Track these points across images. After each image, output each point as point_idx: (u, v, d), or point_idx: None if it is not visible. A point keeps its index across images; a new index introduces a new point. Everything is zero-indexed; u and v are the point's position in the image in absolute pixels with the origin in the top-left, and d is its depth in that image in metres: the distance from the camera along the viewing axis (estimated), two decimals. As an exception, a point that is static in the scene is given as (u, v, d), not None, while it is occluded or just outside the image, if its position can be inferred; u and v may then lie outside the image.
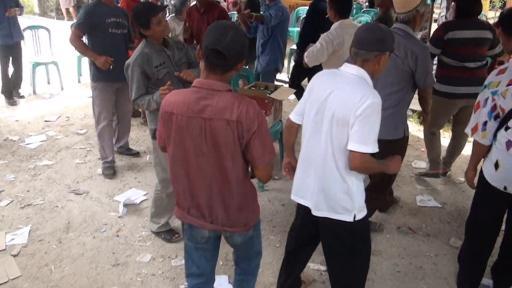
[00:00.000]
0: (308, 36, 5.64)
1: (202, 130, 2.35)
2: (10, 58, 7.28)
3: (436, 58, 4.71)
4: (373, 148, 2.50)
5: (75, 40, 4.86)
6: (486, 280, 3.56)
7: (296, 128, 2.94)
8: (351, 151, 2.51)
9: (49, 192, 4.84)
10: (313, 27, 5.68)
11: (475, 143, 3.19)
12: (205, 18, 5.66)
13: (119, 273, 3.67)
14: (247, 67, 7.63)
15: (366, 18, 11.63)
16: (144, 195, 4.74)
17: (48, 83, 8.55)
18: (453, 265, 3.82)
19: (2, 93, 7.51)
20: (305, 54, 4.57)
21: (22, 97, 7.76)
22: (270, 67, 6.03)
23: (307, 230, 3.02)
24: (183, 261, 3.69)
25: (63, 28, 10.34)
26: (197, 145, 2.39)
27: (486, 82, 3.08)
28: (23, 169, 5.35)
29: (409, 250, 4.01)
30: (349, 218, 2.67)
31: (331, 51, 4.41)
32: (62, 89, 8.34)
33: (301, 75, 6.15)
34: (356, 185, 2.66)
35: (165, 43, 3.77)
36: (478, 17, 4.62)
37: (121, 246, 4.00)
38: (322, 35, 4.47)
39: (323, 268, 3.72)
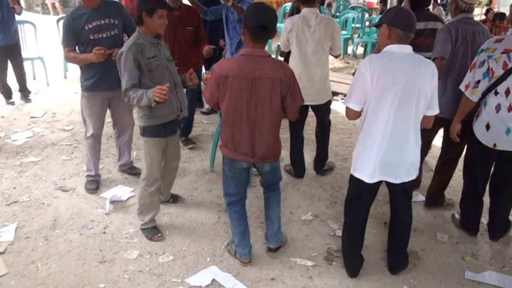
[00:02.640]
0: None
1: (253, 87, 3.20)
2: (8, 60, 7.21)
3: None
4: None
5: (68, 56, 4.40)
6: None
7: (359, 114, 3.32)
8: (430, 116, 3.24)
9: (35, 189, 4.81)
10: None
11: (465, 99, 3.76)
12: (182, 21, 5.39)
13: (106, 270, 3.66)
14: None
15: (353, 14, 11.69)
16: (131, 191, 4.73)
17: (34, 78, 8.49)
18: (439, 259, 3.87)
19: (1, 93, 7.43)
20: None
21: (30, 92, 7.68)
22: None
23: (370, 204, 3.56)
24: (170, 257, 3.78)
25: (49, 23, 10.27)
26: (248, 99, 3.23)
27: (483, 47, 3.66)
28: (9, 165, 5.31)
29: (395, 245, 4.03)
30: (416, 175, 3.37)
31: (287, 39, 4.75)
32: (48, 85, 8.28)
33: None
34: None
35: (157, 37, 3.79)
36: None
37: (108, 243, 3.98)
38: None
39: (310, 263, 3.75)
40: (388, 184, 3.39)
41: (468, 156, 4.09)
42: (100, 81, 4.44)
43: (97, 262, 3.75)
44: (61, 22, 4.50)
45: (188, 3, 5.90)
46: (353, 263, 3.67)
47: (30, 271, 3.65)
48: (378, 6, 14.52)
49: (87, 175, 4.88)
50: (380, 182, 3.37)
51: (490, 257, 3.95)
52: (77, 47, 4.41)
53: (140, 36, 3.66)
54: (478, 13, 14.99)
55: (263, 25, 3.13)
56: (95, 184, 4.83)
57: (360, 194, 3.49)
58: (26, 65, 7.89)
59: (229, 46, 6.03)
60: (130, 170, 5.17)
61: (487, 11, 13.81)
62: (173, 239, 4.05)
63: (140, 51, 3.59)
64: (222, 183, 3.74)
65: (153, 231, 4.06)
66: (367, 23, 12.25)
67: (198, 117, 6.74)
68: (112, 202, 4.54)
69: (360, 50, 12.63)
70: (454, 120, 3.93)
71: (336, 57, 5.23)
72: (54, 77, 8.52)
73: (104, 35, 4.36)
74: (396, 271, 3.70)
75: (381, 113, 3.13)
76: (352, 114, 3.31)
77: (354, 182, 3.44)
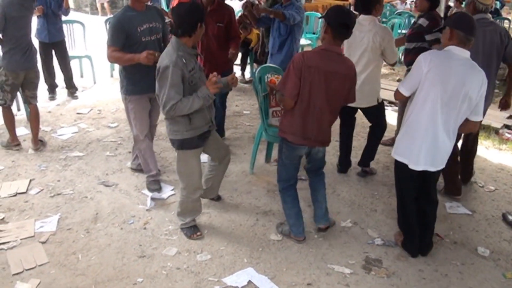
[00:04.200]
0: None
1: (327, 79, 3.54)
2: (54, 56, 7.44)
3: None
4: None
5: (113, 56, 4.34)
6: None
7: (407, 99, 3.69)
8: (474, 121, 3.55)
9: (79, 183, 4.92)
10: None
11: None
12: (213, 17, 5.24)
13: (144, 265, 3.70)
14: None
15: (399, 20, 11.52)
16: (172, 190, 4.78)
17: (81, 76, 8.66)
18: (479, 275, 3.78)
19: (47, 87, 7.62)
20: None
21: (77, 89, 7.84)
22: (284, 65, 5.67)
23: (415, 188, 3.86)
24: (208, 256, 3.80)
25: (97, 23, 10.48)
26: (321, 90, 3.58)
27: None
28: (54, 159, 5.44)
29: (435, 257, 3.97)
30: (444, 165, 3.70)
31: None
32: (94, 82, 8.45)
33: None
34: None
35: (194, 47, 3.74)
36: None
37: (148, 238, 4.03)
38: None
39: (348, 271, 3.71)
40: (425, 172, 3.66)
41: None
42: (145, 83, 4.39)
43: (136, 256, 3.80)
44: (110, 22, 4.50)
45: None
46: (411, 243, 3.95)
47: (71, 261, 3.73)
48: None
49: (149, 176, 4.84)
50: (421, 171, 3.66)
51: (534, 275, 3.84)
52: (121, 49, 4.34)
53: (179, 47, 3.56)
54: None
55: (346, 23, 3.53)
56: (158, 184, 4.84)
57: (405, 178, 3.81)
58: (74, 63, 8.08)
59: (271, 47, 6.07)
60: None
61: None
62: (211, 238, 4.07)
63: (184, 63, 3.53)
64: (277, 172, 4.10)
65: (192, 230, 4.09)
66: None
67: (240, 119, 6.78)
68: (153, 199, 4.60)
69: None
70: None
71: (392, 65, 5.26)
72: (101, 76, 8.68)
73: (153, 38, 4.42)
74: (427, 252, 3.97)
75: (427, 106, 3.45)
76: (399, 96, 3.70)
77: (397, 166, 3.80)
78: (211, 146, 4.09)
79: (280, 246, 4.00)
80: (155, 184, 4.83)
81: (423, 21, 5.12)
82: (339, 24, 3.52)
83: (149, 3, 4.59)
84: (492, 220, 4.55)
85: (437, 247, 4.09)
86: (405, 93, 3.62)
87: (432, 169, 3.62)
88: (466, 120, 3.54)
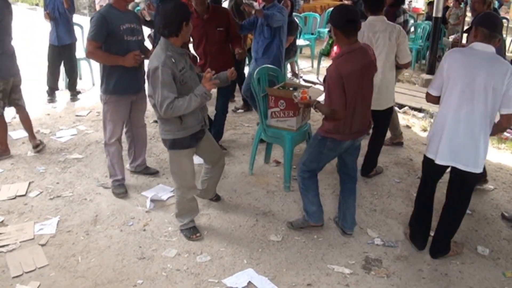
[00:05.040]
0: None
1: (363, 72, 3.68)
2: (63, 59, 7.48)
3: None
4: None
5: (94, 52, 4.30)
6: None
7: (438, 99, 3.72)
8: (506, 114, 3.47)
9: (78, 185, 4.92)
10: None
11: None
12: (212, 23, 5.24)
13: (144, 267, 3.70)
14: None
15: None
16: (171, 191, 4.77)
17: (80, 78, 8.63)
18: (479, 274, 3.78)
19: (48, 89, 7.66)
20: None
21: (79, 92, 7.87)
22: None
23: (435, 185, 3.93)
24: (208, 258, 3.80)
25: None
26: (361, 85, 3.68)
27: None
28: (53, 161, 5.44)
29: (435, 257, 3.97)
30: (481, 169, 3.63)
31: None
32: (93, 84, 8.45)
33: None
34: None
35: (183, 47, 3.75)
36: None
37: (148, 240, 4.04)
38: None
39: (348, 271, 3.71)
40: (455, 170, 3.66)
41: None
42: (127, 83, 4.39)
43: (136, 258, 3.80)
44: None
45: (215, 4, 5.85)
46: (418, 236, 4.03)
47: (70, 263, 3.73)
48: (423, 12, 14.30)
49: (114, 180, 4.79)
50: (447, 167, 3.72)
51: (534, 274, 3.84)
52: (103, 47, 4.30)
53: (168, 47, 3.54)
54: None
55: (351, 19, 3.56)
56: (123, 188, 4.78)
57: (429, 173, 3.88)
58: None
59: (255, 51, 5.99)
60: (145, 170, 5.16)
61: None
62: (211, 239, 4.07)
63: (173, 63, 3.51)
64: (304, 162, 4.04)
65: (192, 231, 4.09)
66: (412, 29, 12.03)
67: (238, 119, 6.79)
68: (152, 200, 4.59)
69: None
70: None
71: (405, 66, 5.16)
72: (99, 78, 8.64)
73: (134, 39, 4.40)
74: (437, 255, 3.94)
75: (451, 102, 3.52)
76: (431, 98, 3.79)
77: (425, 161, 3.83)
78: (205, 149, 4.10)
79: (280, 247, 4.00)
80: (120, 188, 4.76)
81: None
82: (345, 23, 3.57)
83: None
84: (492, 219, 4.55)
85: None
86: (433, 92, 3.72)
87: (460, 166, 3.57)
88: (500, 116, 3.54)
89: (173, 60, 3.51)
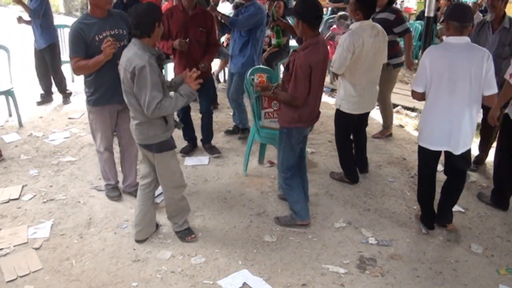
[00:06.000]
0: None
1: (324, 64, 3.89)
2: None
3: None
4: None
5: (77, 67, 4.09)
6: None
7: (423, 95, 3.90)
8: (489, 95, 3.72)
9: (71, 188, 4.90)
10: None
11: (507, 85, 4.22)
12: (195, 21, 5.20)
13: (139, 269, 3.70)
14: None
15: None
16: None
17: (73, 81, 8.64)
18: (473, 272, 3.79)
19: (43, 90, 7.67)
20: (332, 63, 4.67)
21: (71, 94, 7.88)
22: (245, 69, 5.48)
23: (435, 170, 4.19)
24: (203, 259, 3.79)
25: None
26: (322, 74, 3.91)
27: None
28: (46, 164, 5.42)
29: (429, 255, 3.98)
30: (470, 146, 3.96)
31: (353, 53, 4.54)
32: (86, 87, 8.41)
33: None
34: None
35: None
36: None
37: (142, 242, 4.03)
38: (343, 38, 4.54)
39: (342, 271, 3.72)
40: (449, 154, 3.95)
41: (499, 135, 4.67)
42: (109, 94, 4.20)
43: (130, 261, 3.79)
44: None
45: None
46: (428, 217, 4.31)
47: (65, 267, 3.72)
48: (415, 12, 14.34)
49: (107, 184, 4.76)
50: (440, 152, 4.02)
51: (527, 271, 3.86)
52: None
53: (145, 48, 3.48)
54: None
55: (319, 15, 3.81)
56: (117, 191, 4.74)
57: (426, 161, 4.12)
58: (66, 68, 8.04)
59: (231, 49, 6.01)
60: (136, 192, 4.27)
61: None
62: (205, 241, 4.07)
63: (155, 62, 3.48)
64: (281, 161, 4.18)
65: (187, 232, 4.09)
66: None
67: (232, 120, 6.76)
68: (146, 202, 4.56)
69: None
70: (495, 106, 4.28)
71: (386, 64, 5.25)
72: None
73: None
74: (443, 222, 4.30)
75: (440, 94, 3.73)
76: (417, 95, 3.93)
77: (421, 151, 4.08)
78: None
79: (275, 247, 4.00)
80: (113, 191, 4.73)
81: (388, 15, 5.46)
82: (315, 18, 3.76)
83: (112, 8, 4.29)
84: (485, 217, 4.56)
85: (430, 244, 4.12)
86: (419, 89, 3.86)
87: (455, 152, 3.88)
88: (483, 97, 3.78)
89: (153, 59, 3.48)
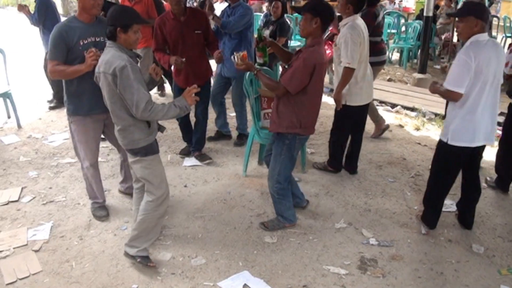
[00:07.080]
0: None
1: (325, 67, 3.90)
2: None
3: None
4: None
5: (53, 71, 3.86)
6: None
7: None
8: None
9: (71, 190, 4.89)
10: None
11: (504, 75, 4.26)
12: (189, 25, 5.04)
13: (139, 271, 3.68)
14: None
15: (388, 20, 11.58)
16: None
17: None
18: (475, 272, 3.78)
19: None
20: (345, 60, 4.62)
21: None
22: (241, 73, 5.26)
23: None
24: (203, 261, 3.78)
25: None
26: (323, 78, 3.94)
27: None
28: (46, 166, 5.41)
29: (431, 256, 3.97)
30: None
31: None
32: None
33: None
34: None
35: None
36: None
37: (142, 244, 4.01)
38: (346, 33, 4.57)
39: (343, 272, 3.71)
40: (476, 149, 4.00)
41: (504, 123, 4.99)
42: (91, 103, 3.97)
43: (130, 262, 3.77)
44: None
45: (193, 6, 5.69)
46: (433, 217, 4.31)
47: (64, 269, 3.70)
48: (414, 12, 14.35)
49: (94, 203, 4.50)
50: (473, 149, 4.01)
51: (529, 271, 3.85)
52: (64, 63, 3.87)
53: (122, 49, 3.34)
54: None
55: (334, 16, 3.85)
56: (105, 210, 4.47)
57: (459, 161, 4.07)
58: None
59: (223, 52, 5.61)
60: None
61: None
62: (205, 242, 4.05)
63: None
64: (278, 172, 4.04)
65: (148, 259, 3.73)
66: (403, 28, 12.11)
67: (231, 121, 6.73)
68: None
69: (396, 56, 12.48)
70: None
71: None
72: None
73: (98, 53, 3.70)
74: (471, 225, 4.38)
75: (484, 91, 3.76)
76: (457, 96, 3.79)
77: (453, 151, 3.97)
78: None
79: (275, 249, 3.99)
80: (101, 210, 4.45)
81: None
82: (329, 17, 3.77)
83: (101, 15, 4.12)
84: (486, 217, 4.55)
85: (431, 245, 4.10)
86: (461, 90, 3.75)
87: (490, 143, 4.03)
88: None
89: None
